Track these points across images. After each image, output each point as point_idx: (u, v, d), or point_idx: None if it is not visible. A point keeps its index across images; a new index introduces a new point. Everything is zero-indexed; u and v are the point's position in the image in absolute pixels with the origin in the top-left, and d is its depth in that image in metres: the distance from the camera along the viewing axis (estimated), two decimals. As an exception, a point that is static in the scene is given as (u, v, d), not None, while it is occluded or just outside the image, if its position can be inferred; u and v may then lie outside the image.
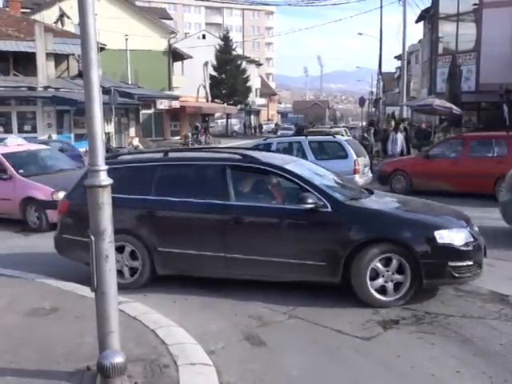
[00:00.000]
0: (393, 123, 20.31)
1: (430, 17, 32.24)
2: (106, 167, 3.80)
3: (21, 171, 10.64)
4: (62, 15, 34.13)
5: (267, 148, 13.67)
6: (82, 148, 20.29)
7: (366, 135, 21.19)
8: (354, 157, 12.76)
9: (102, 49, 27.15)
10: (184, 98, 42.19)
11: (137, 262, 6.44)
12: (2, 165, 10.71)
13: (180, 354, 4.36)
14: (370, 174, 14.22)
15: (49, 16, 33.89)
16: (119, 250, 6.13)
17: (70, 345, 4.57)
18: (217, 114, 54.90)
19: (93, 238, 3.77)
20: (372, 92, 58.36)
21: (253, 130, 62.69)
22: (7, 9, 35.35)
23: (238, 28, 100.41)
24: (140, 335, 4.77)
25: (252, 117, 72.28)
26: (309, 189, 5.95)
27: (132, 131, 34.38)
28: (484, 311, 5.53)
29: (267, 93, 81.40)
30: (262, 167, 6.33)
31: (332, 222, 5.78)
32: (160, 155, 7.03)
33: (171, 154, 7.03)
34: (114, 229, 3.76)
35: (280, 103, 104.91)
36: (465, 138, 14.58)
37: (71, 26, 33.00)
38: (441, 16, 27.87)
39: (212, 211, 6.16)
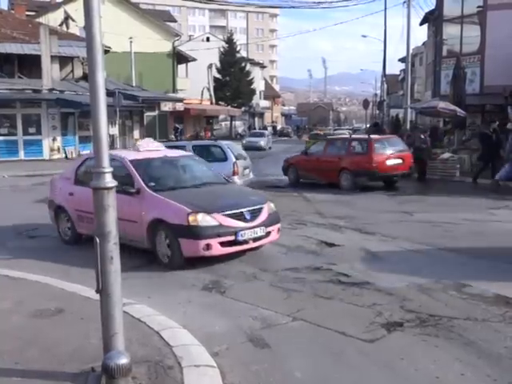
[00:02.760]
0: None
1: (434, 19, 32.22)
2: (111, 169, 3.82)
3: (151, 184, 8.08)
4: (67, 18, 34.29)
5: None
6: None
7: (422, 136, 18.10)
8: (233, 159, 13.57)
9: (106, 51, 27.23)
10: (188, 101, 42.28)
11: None
12: (129, 175, 8.19)
13: (184, 356, 4.38)
14: (251, 176, 14.79)
15: (54, 19, 34.08)
16: None
17: (75, 346, 4.59)
18: (221, 117, 54.97)
19: (98, 240, 3.79)
20: (376, 94, 58.41)
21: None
22: (12, 11, 35.54)
23: (242, 30, 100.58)
24: (144, 337, 4.79)
25: (256, 119, 72.36)
26: None
27: (136, 133, 34.46)
28: (488, 314, 5.52)
29: (271, 95, 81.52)
30: None
31: None
32: None
33: None
34: None
35: (284, 105, 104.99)
36: (327, 140, 18.59)
37: (76, 28, 33.15)
38: (445, 18, 27.85)
39: None
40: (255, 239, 7.72)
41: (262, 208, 7.96)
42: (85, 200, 8.36)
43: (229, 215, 7.45)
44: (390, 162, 15.59)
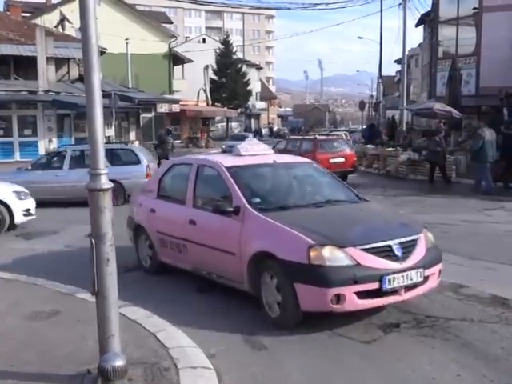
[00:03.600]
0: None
1: (429, 21, 32.32)
2: (107, 171, 3.81)
3: (256, 201, 5.93)
4: (63, 19, 34.23)
5: (62, 156, 14.23)
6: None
7: (437, 139, 17.26)
8: (146, 162, 13.94)
9: (102, 52, 27.24)
10: (184, 102, 42.26)
11: None
12: (225, 187, 6.12)
13: (180, 358, 4.36)
14: None
15: (50, 20, 34.03)
16: None
17: (71, 348, 4.57)
18: (217, 118, 54.96)
19: (93, 242, 3.77)
20: (372, 96, 58.46)
21: (255, 135, 61.58)
22: (8, 13, 35.48)
23: (238, 32, 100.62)
24: (140, 338, 4.78)
25: (252, 120, 72.36)
26: None
27: (132, 135, 34.42)
28: (485, 315, 5.52)
29: (267, 96, 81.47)
30: None
31: None
32: None
33: None
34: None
35: (280, 107, 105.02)
36: (287, 139, 21.51)
37: (72, 29, 33.09)
38: (441, 20, 27.95)
39: None
40: (408, 288, 5.21)
41: (417, 240, 5.48)
42: (169, 219, 6.92)
43: (370, 250, 5.10)
44: (332, 161, 17.41)
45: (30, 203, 10.67)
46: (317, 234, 5.18)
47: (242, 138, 35.35)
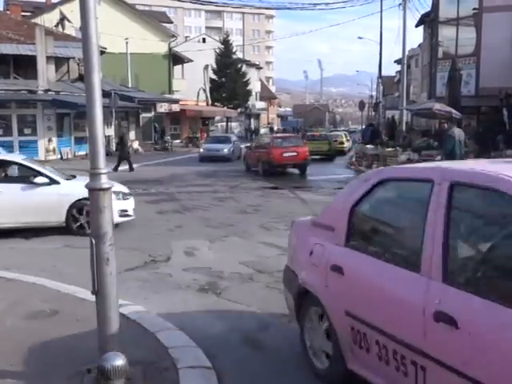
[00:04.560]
0: None
1: (429, 21, 32.30)
2: (107, 170, 3.80)
3: None
4: (63, 19, 34.26)
5: None
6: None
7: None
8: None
9: (102, 52, 27.23)
10: (184, 102, 42.28)
11: None
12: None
13: (180, 357, 4.36)
14: None
15: (49, 19, 34.04)
16: None
17: (71, 347, 4.57)
18: (217, 118, 54.95)
19: (93, 241, 3.77)
20: (372, 96, 58.45)
21: (252, 134, 61.28)
22: (8, 12, 35.48)
23: (238, 31, 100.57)
24: (140, 338, 4.78)
25: (252, 120, 72.34)
26: None
27: (132, 134, 34.43)
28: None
29: (267, 96, 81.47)
30: None
31: None
32: None
33: None
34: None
35: (280, 107, 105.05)
36: (258, 138, 24.83)
37: (72, 29, 33.11)
38: (441, 20, 27.94)
39: None
40: None
41: None
42: (378, 298, 3.41)
43: None
44: (286, 154, 20.59)
45: (128, 204, 10.31)
46: None
47: (225, 141, 29.87)
